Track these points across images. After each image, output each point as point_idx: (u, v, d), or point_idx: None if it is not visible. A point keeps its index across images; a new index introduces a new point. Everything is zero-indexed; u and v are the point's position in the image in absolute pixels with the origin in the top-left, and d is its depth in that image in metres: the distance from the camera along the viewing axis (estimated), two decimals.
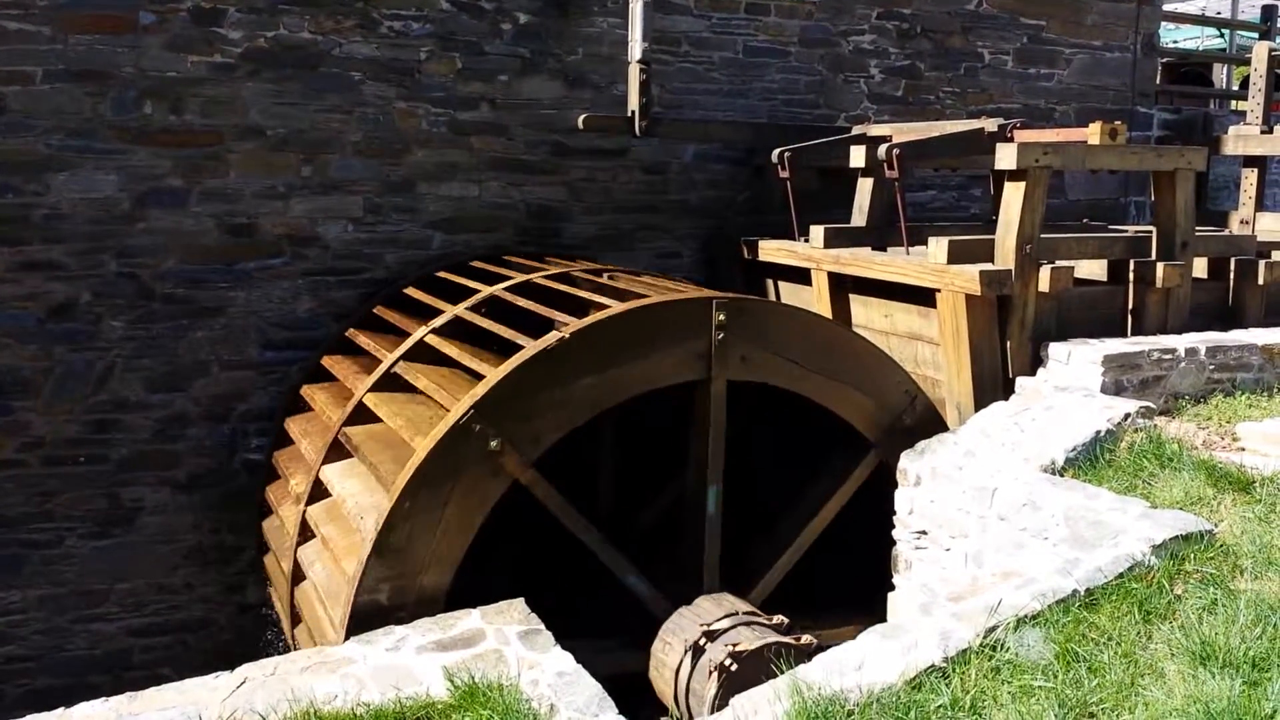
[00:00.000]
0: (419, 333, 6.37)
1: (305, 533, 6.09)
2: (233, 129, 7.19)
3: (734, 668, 5.31)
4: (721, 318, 5.71)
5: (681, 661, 5.54)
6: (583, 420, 5.50)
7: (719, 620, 5.58)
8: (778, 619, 5.65)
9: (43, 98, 6.73)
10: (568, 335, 5.36)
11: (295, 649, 6.03)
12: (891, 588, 5.96)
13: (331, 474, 5.97)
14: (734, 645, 5.38)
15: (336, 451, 6.06)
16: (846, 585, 6.47)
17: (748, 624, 5.58)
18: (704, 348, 5.73)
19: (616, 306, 5.64)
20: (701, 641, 5.52)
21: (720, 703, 5.10)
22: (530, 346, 5.38)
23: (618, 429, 6.97)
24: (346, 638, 4.75)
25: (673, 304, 5.82)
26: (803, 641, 5.50)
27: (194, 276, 7.21)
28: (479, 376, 5.45)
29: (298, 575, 6.10)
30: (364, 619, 4.90)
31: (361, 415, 6.09)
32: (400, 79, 7.58)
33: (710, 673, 5.36)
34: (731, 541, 6.15)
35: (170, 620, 7.49)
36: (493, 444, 5.16)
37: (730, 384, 5.87)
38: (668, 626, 5.74)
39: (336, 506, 5.81)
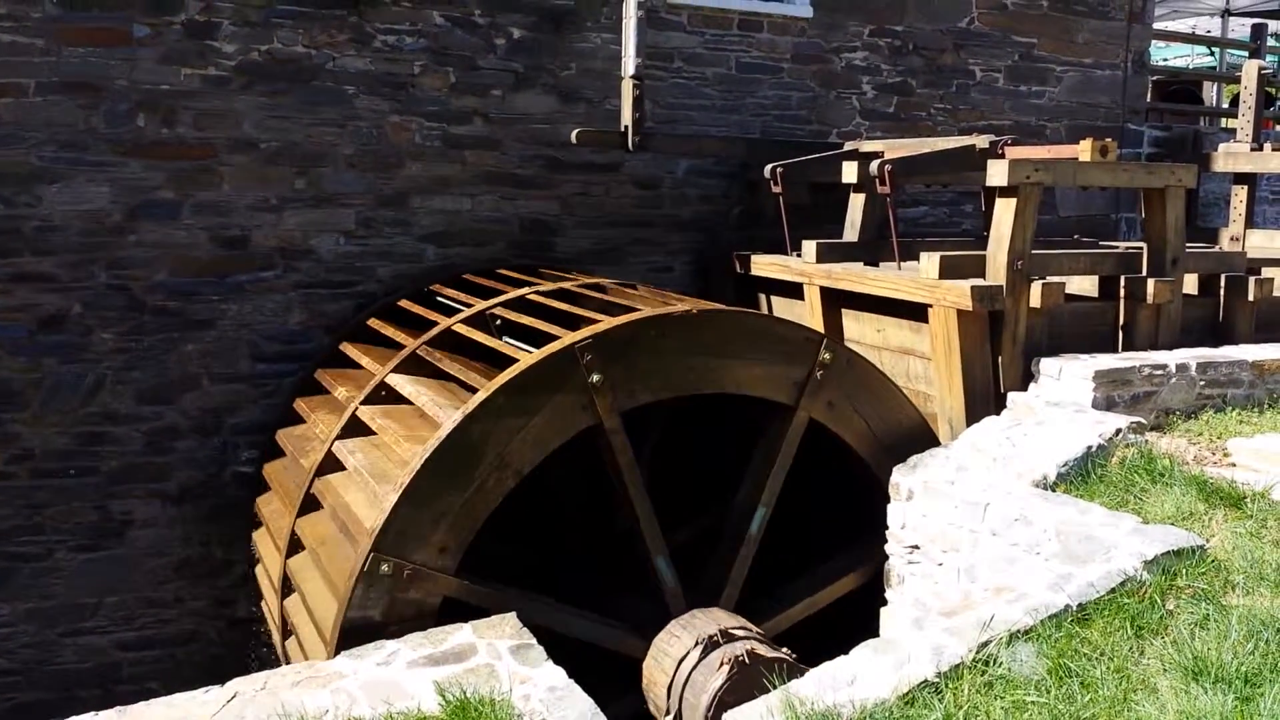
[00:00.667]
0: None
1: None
2: (226, 142, 7.19)
3: (745, 664, 5.31)
4: (826, 357, 5.91)
5: (689, 653, 5.49)
6: (675, 394, 5.60)
7: (735, 628, 5.57)
8: (785, 651, 5.61)
9: (35, 110, 6.72)
10: (695, 311, 5.53)
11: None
12: (884, 602, 5.96)
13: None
14: (750, 649, 5.37)
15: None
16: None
17: (760, 641, 5.57)
18: (802, 377, 5.89)
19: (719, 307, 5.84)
20: (716, 637, 5.50)
21: (720, 703, 5.12)
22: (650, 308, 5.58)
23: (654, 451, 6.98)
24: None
25: (791, 325, 6.16)
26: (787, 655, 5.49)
27: (185, 289, 7.20)
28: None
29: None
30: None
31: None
32: (394, 93, 7.60)
33: (722, 663, 5.33)
34: (757, 572, 6.16)
35: (160, 634, 7.45)
36: (594, 377, 5.23)
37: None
38: (680, 621, 5.71)
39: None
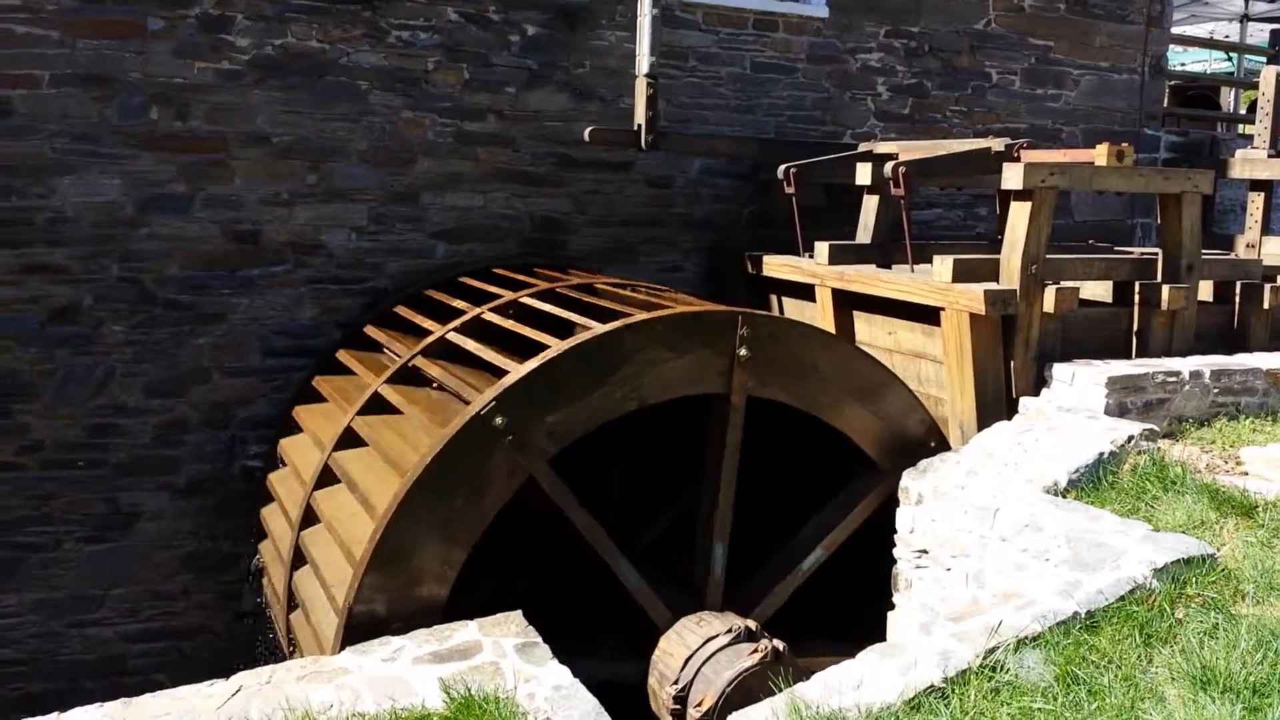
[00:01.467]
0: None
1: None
2: (238, 136, 7.19)
3: (780, 654, 5.35)
4: (744, 333, 5.71)
5: (718, 635, 5.52)
6: (595, 425, 5.46)
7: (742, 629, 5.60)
8: (734, 625, 5.61)
9: (49, 101, 6.73)
10: (576, 345, 5.34)
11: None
12: (891, 606, 5.93)
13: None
14: (773, 645, 5.40)
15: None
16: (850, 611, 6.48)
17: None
18: (726, 364, 5.72)
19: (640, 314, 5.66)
20: (753, 630, 5.53)
21: (741, 685, 5.16)
22: (554, 347, 5.40)
23: (630, 444, 6.95)
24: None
25: (703, 312, 5.88)
26: (762, 652, 5.47)
27: (197, 282, 7.20)
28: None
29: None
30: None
31: (350, 439, 6.07)
32: (407, 88, 7.59)
33: (756, 650, 5.35)
34: (737, 557, 6.12)
35: (166, 626, 7.46)
36: (508, 437, 5.12)
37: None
38: (712, 613, 5.73)
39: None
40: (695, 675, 5.43)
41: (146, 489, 7.27)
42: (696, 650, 5.50)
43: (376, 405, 6.13)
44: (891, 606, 5.93)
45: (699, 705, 5.33)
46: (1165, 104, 11.44)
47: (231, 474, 7.46)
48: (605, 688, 4.63)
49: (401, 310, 7.29)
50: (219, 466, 7.43)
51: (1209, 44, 16.66)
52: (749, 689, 5.15)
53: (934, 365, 6.70)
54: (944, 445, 6.29)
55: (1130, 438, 5.49)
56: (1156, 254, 6.88)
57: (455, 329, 6.41)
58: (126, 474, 7.21)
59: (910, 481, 5.82)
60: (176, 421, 7.28)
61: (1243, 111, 15.65)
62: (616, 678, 5.68)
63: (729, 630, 5.55)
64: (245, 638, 7.50)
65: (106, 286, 7.00)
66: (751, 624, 5.63)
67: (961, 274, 6.28)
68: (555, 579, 6.89)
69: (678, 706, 5.43)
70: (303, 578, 5.97)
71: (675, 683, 5.46)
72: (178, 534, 7.40)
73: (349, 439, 6.03)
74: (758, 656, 5.37)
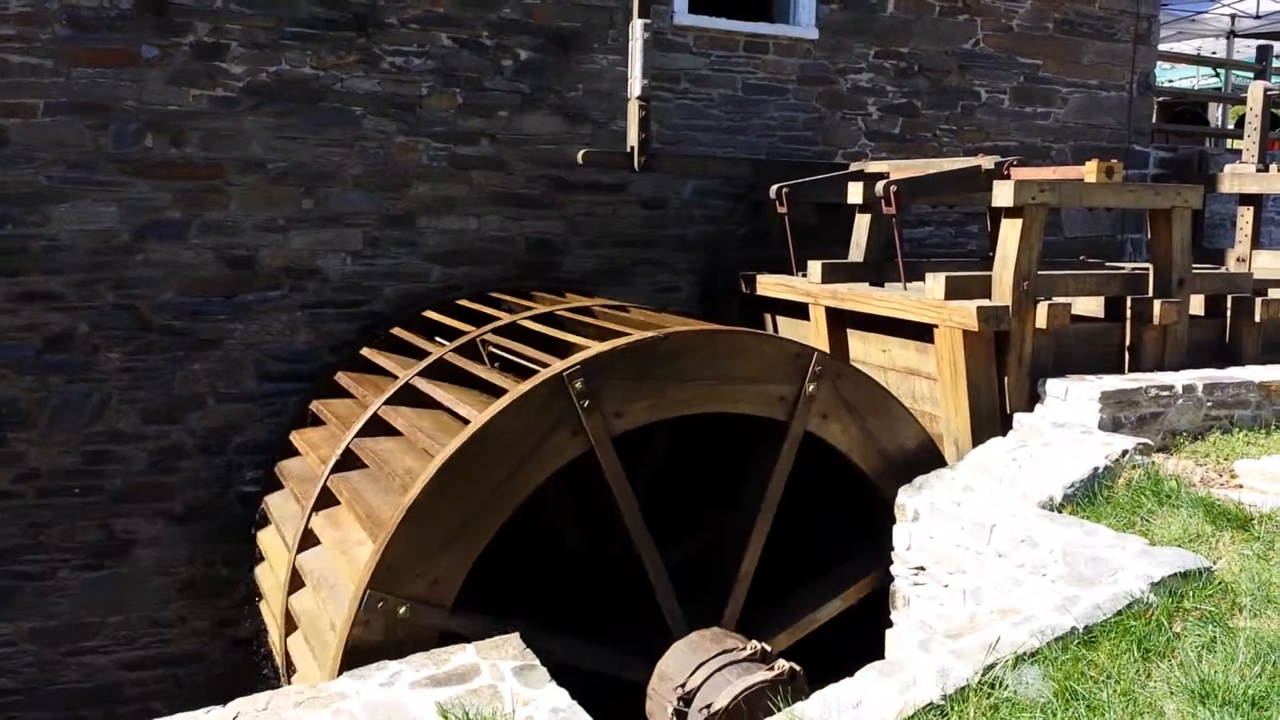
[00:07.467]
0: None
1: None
2: (233, 162, 7.23)
3: (797, 673, 5.36)
4: (818, 370, 5.95)
5: (739, 647, 5.56)
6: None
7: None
8: (752, 646, 5.62)
9: (44, 130, 6.77)
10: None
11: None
12: (889, 624, 5.93)
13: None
14: (790, 666, 5.42)
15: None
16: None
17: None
18: (793, 394, 5.90)
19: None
20: (769, 652, 5.57)
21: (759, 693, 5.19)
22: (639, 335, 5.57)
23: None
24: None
25: (782, 341, 6.20)
26: (778, 670, 5.47)
27: (192, 308, 7.22)
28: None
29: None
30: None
31: (349, 461, 6.06)
32: (401, 114, 7.63)
33: (774, 668, 5.38)
34: (694, 562, 6.19)
35: (163, 653, 7.44)
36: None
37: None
38: (698, 635, 5.74)
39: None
40: (706, 680, 5.43)
41: (143, 515, 7.27)
42: (713, 657, 5.53)
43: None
44: (890, 624, 5.93)
45: (707, 707, 5.31)
46: (1154, 120, 11.53)
47: (228, 499, 7.45)
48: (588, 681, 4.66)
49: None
50: (215, 492, 7.42)
51: (1196, 60, 16.77)
52: (760, 704, 5.13)
53: (928, 382, 6.72)
54: (940, 462, 6.32)
55: (1125, 452, 5.50)
56: (1148, 269, 6.90)
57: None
58: (123, 501, 7.20)
59: (906, 498, 5.83)
60: (172, 447, 7.28)
61: (1231, 126, 15.75)
62: (619, 672, 5.72)
63: (748, 648, 5.58)
64: (242, 664, 7.48)
65: (102, 313, 7.02)
66: (768, 647, 5.67)
67: (954, 291, 6.31)
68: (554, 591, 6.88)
69: (681, 706, 5.42)
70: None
71: (683, 685, 5.46)
72: (174, 560, 7.39)
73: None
74: (774, 674, 5.38)
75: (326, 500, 5.99)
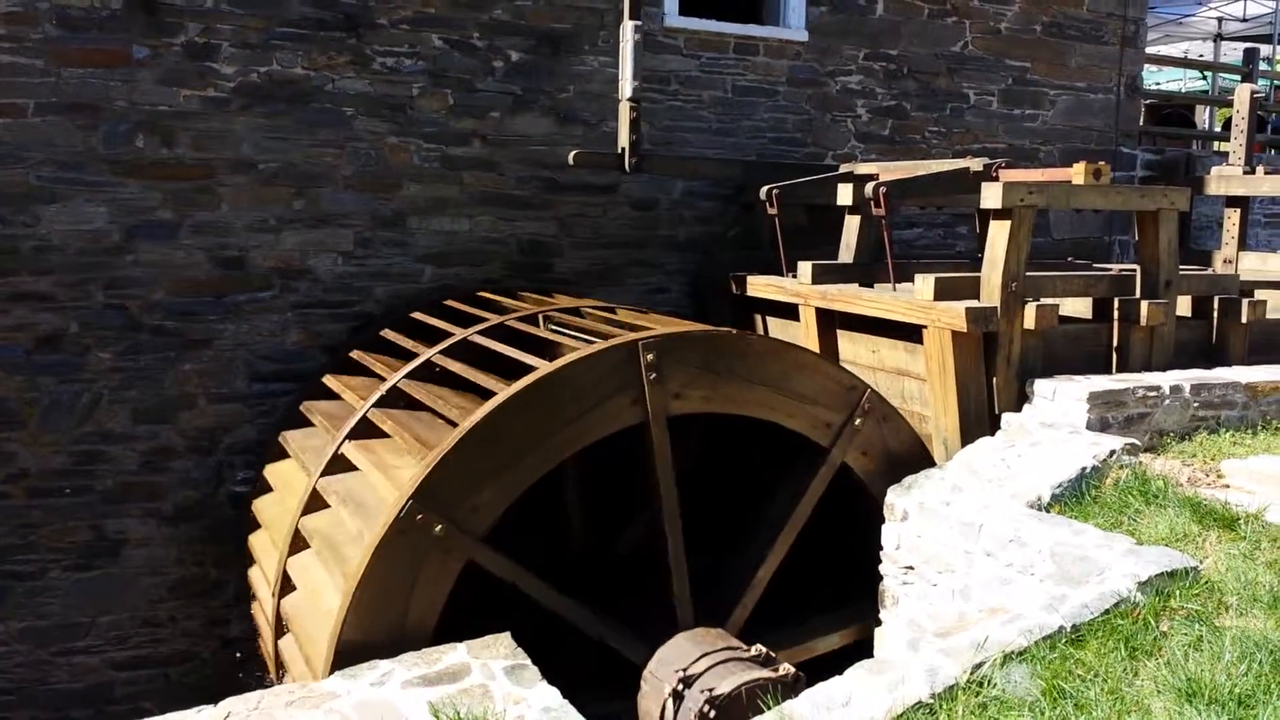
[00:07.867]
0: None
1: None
2: (224, 162, 7.22)
3: (800, 678, 5.41)
4: (867, 407, 6.17)
5: (739, 647, 5.61)
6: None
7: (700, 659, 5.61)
8: (756, 649, 5.65)
9: (34, 130, 6.76)
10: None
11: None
12: (878, 623, 5.96)
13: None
14: (794, 670, 5.50)
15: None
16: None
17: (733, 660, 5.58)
18: (840, 422, 6.12)
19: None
20: (770, 656, 5.64)
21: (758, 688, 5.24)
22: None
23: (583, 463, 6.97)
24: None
25: (837, 369, 6.34)
26: (781, 672, 5.52)
27: (183, 309, 7.21)
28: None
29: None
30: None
31: (339, 463, 6.07)
32: (392, 114, 7.64)
33: (778, 668, 5.48)
34: (703, 566, 6.18)
35: (153, 654, 7.43)
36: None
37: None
38: (705, 630, 5.80)
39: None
40: (709, 669, 5.48)
41: (133, 516, 7.26)
42: (718, 650, 5.59)
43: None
44: (879, 623, 5.96)
45: (709, 689, 5.34)
46: (1141, 122, 11.59)
47: (218, 500, 7.45)
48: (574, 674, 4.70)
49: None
50: (206, 492, 7.42)
51: (1184, 63, 16.89)
52: (759, 702, 5.14)
53: (917, 382, 6.75)
54: (929, 461, 6.35)
55: (1112, 452, 5.53)
56: (1135, 270, 6.95)
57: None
58: (113, 501, 7.19)
59: (896, 498, 5.86)
60: (163, 448, 7.28)
61: (1218, 129, 15.85)
62: (623, 648, 5.78)
63: (751, 650, 5.63)
64: (233, 664, 7.48)
65: (92, 313, 7.01)
66: (772, 653, 5.73)
67: (943, 292, 6.34)
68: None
69: (681, 687, 5.45)
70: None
71: (685, 669, 5.50)
72: (165, 561, 7.38)
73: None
74: (778, 674, 5.44)
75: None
